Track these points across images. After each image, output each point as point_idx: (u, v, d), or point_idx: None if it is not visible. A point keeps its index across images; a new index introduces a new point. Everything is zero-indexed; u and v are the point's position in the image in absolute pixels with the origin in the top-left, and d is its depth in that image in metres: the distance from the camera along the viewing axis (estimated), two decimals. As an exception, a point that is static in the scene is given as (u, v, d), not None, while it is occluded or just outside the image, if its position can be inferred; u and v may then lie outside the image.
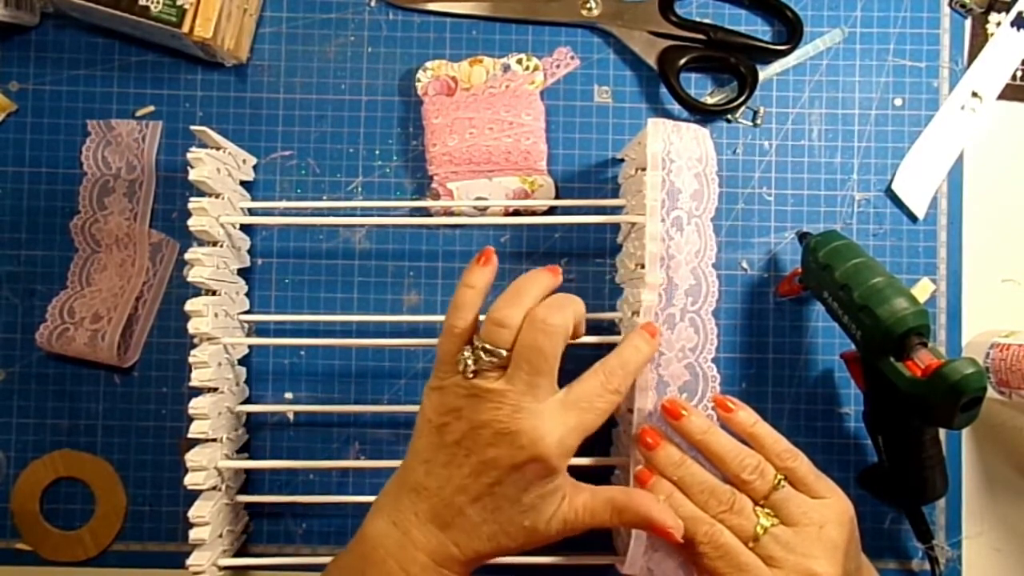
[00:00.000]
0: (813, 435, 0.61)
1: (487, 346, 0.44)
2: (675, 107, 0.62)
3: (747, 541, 0.46)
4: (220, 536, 0.56)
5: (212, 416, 0.54)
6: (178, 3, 0.55)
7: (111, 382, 0.61)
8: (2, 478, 0.60)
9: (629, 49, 0.61)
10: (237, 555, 0.58)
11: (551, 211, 0.60)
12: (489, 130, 0.60)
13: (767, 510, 0.47)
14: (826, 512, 0.47)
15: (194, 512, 0.53)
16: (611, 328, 0.59)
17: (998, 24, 0.62)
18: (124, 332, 0.59)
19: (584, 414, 0.45)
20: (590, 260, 0.61)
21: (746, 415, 0.50)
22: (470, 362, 0.44)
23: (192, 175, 0.53)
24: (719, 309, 0.54)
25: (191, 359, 0.54)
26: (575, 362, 0.61)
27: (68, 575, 0.61)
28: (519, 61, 0.61)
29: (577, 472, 0.60)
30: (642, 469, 0.50)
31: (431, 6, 0.61)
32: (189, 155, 0.53)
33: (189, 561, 0.54)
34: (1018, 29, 0.62)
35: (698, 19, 0.61)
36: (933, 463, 0.55)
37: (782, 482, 0.48)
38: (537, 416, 0.44)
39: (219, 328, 0.55)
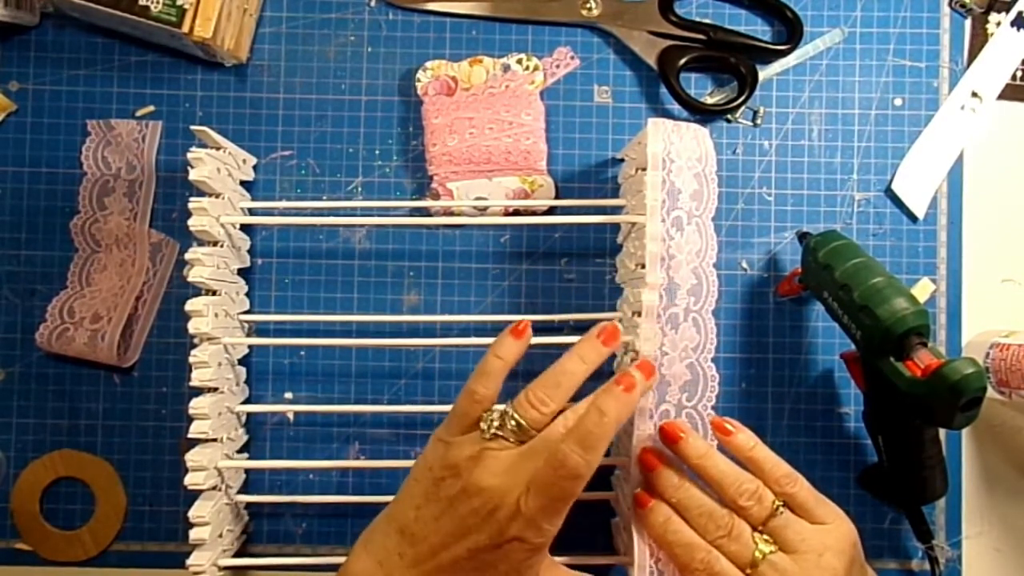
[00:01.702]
0: (813, 435, 0.61)
1: (519, 419, 0.44)
2: (675, 107, 0.62)
3: (744, 568, 0.46)
4: (220, 536, 0.56)
5: (212, 416, 0.54)
6: (178, 3, 0.55)
7: (111, 382, 0.61)
8: (2, 478, 0.60)
9: (629, 49, 0.61)
10: (237, 555, 0.58)
11: (551, 211, 0.60)
12: (489, 130, 0.60)
13: (766, 536, 0.47)
14: (826, 539, 0.46)
15: (194, 512, 0.53)
16: (611, 328, 0.59)
17: (998, 24, 0.62)
18: (124, 332, 0.59)
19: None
20: (590, 260, 0.61)
21: (745, 438, 0.49)
22: (495, 424, 0.44)
23: (192, 175, 0.53)
24: (719, 309, 0.54)
25: (191, 359, 0.54)
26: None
27: (68, 575, 0.61)
28: (519, 61, 0.61)
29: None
30: (641, 492, 0.50)
31: (431, 6, 0.61)
32: (189, 155, 0.53)
33: (189, 561, 0.54)
34: (1018, 29, 0.62)
35: (698, 19, 0.61)
36: (933, 463, 0.55)
37: (781, 508, 0.47)
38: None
39: (219, 328, 0.55)
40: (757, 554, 0.46)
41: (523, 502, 0.42)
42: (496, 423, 0.44)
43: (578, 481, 0.43)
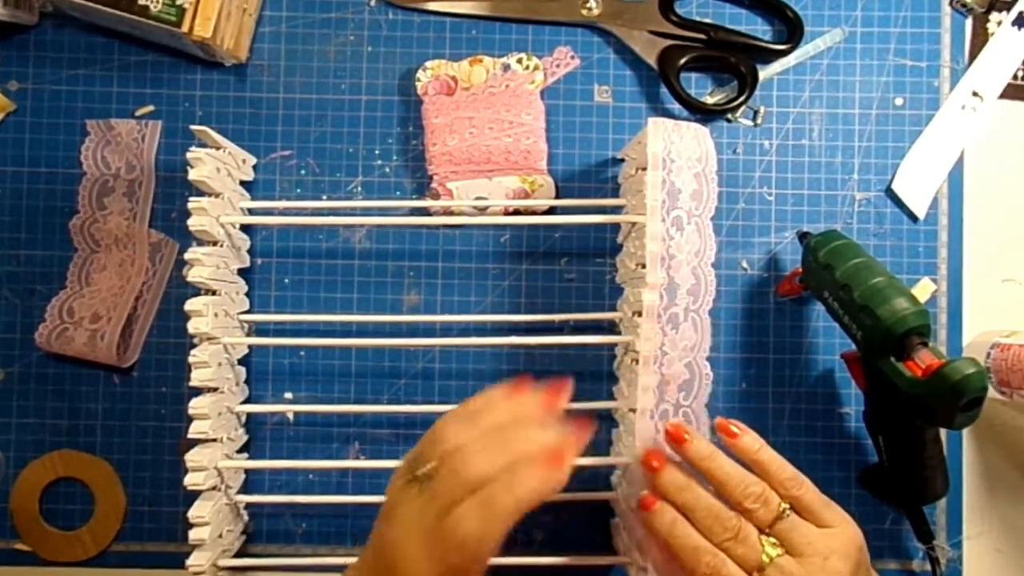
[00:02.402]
0: (813, 435, 0.61)
1: (439, 472, 0.40)
2: (675, 107, 0.62)
3: (751, 571, 0.45)
4: (220, 536, 0.56)
5: (212, 416, 0.54)
6: (178, 3, 0.55)
7: (111, 382, 0.61)
8: (2, 478, 0.60)
9: (629, 49, 0.61)
10: (237, 555, 0.58)
11: (551, 211, 0.60)
12: (489, 130, 0.60)
13: (772, 539, 0.46)
14: (831, 543, 0.46)
15: (194, 512, 0.53)
16: (611, 328, 0.59)
17: (999, 23, 0.62)
18: (124, 332, 0.59)
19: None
20: (590, 260, 0.61)
21: (750, 440, 0.48)
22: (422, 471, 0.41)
23: (192, 175, 0.53)
24: (719, 309, 0.54)
25: (191, 359, 0.54)
26: (575, 363, 0.61)
27: (68, 575, 0.61)
28: (519, 61, 0.60)
29: (577, 472, 0.60)
30: (646, 494, 0.49)
31: (431, 6, 0.61)
32: (189, 155, 0.53)
33: (189, 561, 0.54)
34: (1019, 28, 0.62)
35: (698, 19, 0.61)
36: (934, 463, 0.55)
37: (787, 511, 0.46)
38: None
39: (219, 328, 0.55)
40: (764, 557, 0.45)
41: (417, 568, 0.39)
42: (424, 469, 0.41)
43: (468, 552, 0.38)
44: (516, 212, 0.60)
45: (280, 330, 0.61)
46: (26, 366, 0.61)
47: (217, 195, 0.55)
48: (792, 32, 0.61)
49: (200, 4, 0.55)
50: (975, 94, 0.61)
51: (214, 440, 0.55)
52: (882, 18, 0.62)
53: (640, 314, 0.51)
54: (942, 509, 0.61)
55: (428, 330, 0.61)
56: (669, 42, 0.60)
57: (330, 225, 0.61)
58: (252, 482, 0.60)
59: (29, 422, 0.61)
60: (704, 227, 0.52)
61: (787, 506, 0.47)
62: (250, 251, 0.61)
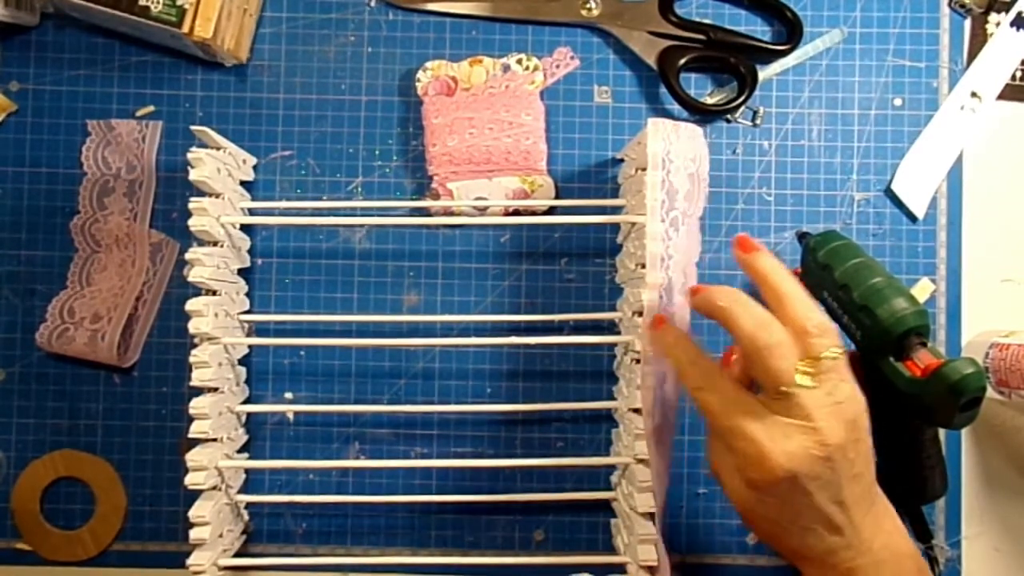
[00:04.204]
0: (813, 435, 0.61)
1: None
2: (675, 107, 0.62)
3: (777, 386, 0.41)
4: (220, 536, 0.56)
5: (212, 416, 0.54)
6: (178, 3, 0.55)
7: (111, 382, 0.61)
8: (2, 478, 0.61)
9: (629, 49, 0.61)
10: (237, 555, 0.58)
11: (551, 211, 0.60)
12: (489, 130, 0.60)
13: (809, 369, 0.41)
14: (858, 407, 0.42)
15: (194, 512, 0.53)
16: (611, 328, 0.59)
17: (997, 24, 0.62)
18: (124, 332, 0.59)
19: None
20: (590, 260, 0.61)
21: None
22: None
23: (192, 175, 0.53)
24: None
25: (191, 359, 0.54)
26: (575, 363, 0.61)
27: (68, 575, 0.61)
28: (519, 61, 0.61)
29: (577, 472, 0.60)
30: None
31: (431, 6, 0.61)
32: (189, 155, 0.53)
33: (189, 561, 0.54)
34: (1017, 29, 0.62)
35: (698, 19, 0.61)
36: (932, 463, 0.55)
37: (839, 356, 0.42)
38: None
39: (219, 328, 0.55)
40: (798, 379, 0.41)
41: None
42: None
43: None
44: (516, 212, 0.60)
45: (280, 330, 0.61)
46: (27, 366, 0.61)
47: (217, 195, 0.55)
48: (791, 33, 0.61)
49: (200, 5, 0.55)
50: (974, 95, 0.61)
51: (214, 440, 0.55)
52: (881, 19, 0.62)
53: (640, 314, 0.51)
54: (941, 509, 0.61)
55: (428, 330, 0.61)
56: (669, 43, 0.60)
57: (330, 225, 0.61)
58: (252, 482, 0.61)
59: (30, 422, 0.61)
60: (693, 227, 0.52)
61: (839, 352, 0.42)
62: (250, 251, 0.61)
